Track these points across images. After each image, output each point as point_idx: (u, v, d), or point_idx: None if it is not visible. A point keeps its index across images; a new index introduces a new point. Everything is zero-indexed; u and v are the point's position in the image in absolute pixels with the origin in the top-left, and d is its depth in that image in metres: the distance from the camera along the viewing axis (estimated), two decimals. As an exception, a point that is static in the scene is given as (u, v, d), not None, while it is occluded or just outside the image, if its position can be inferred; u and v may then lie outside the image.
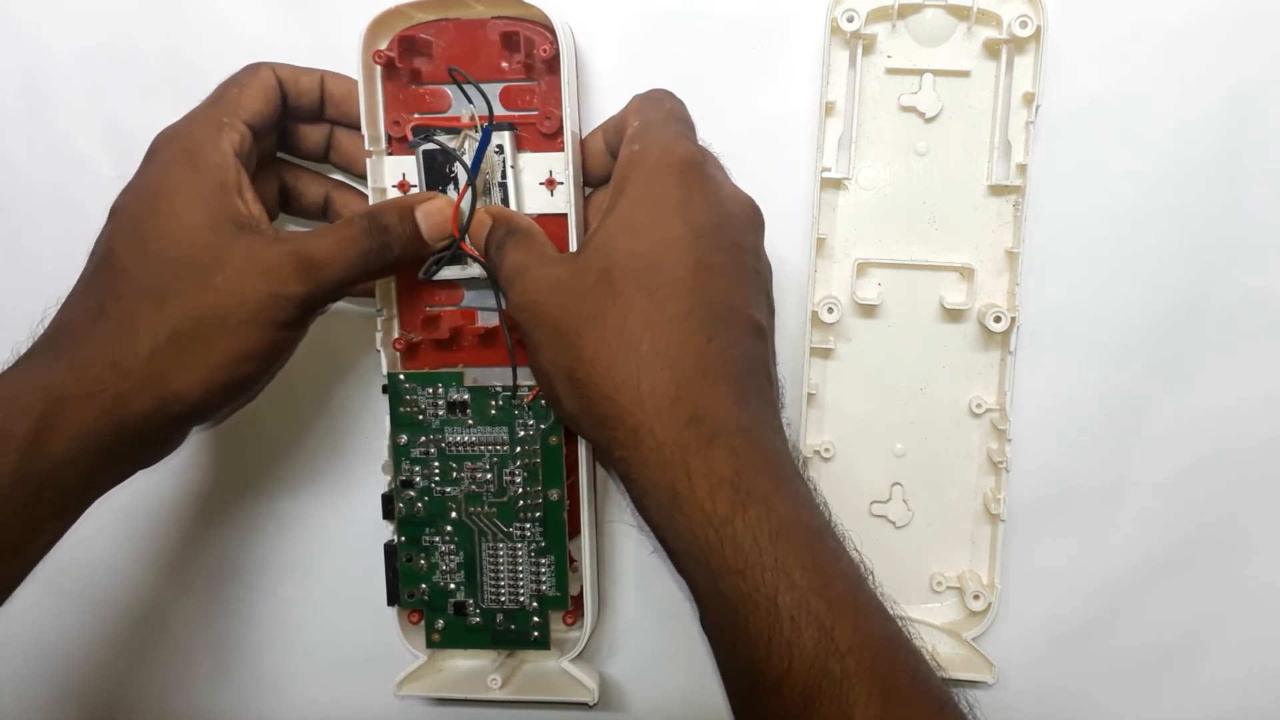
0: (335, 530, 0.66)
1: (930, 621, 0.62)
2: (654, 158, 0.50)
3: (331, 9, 0.62)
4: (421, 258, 0.56)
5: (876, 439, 0.61)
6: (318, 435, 0.66)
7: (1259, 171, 0.59)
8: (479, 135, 0.56)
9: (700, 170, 0.50)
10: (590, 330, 0.47)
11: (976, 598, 0.60)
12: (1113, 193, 0.60)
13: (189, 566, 0.68)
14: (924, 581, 0.62)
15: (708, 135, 0.59)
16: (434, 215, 0.55)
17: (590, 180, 0.59)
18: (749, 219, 0.51)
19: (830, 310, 0.58)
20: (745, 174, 0.59)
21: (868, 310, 0.60)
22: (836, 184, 0.59)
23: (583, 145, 0.58)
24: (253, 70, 0.55)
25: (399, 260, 0.54)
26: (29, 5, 0.64)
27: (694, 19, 0.60)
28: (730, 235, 0.49)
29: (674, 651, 0.64)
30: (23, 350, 0.50)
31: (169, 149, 0.52)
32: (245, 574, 0.68)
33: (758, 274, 0.51)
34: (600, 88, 0.61)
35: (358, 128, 0.57)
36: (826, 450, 0.61)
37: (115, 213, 0.52)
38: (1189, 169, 0.59)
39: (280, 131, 0.59)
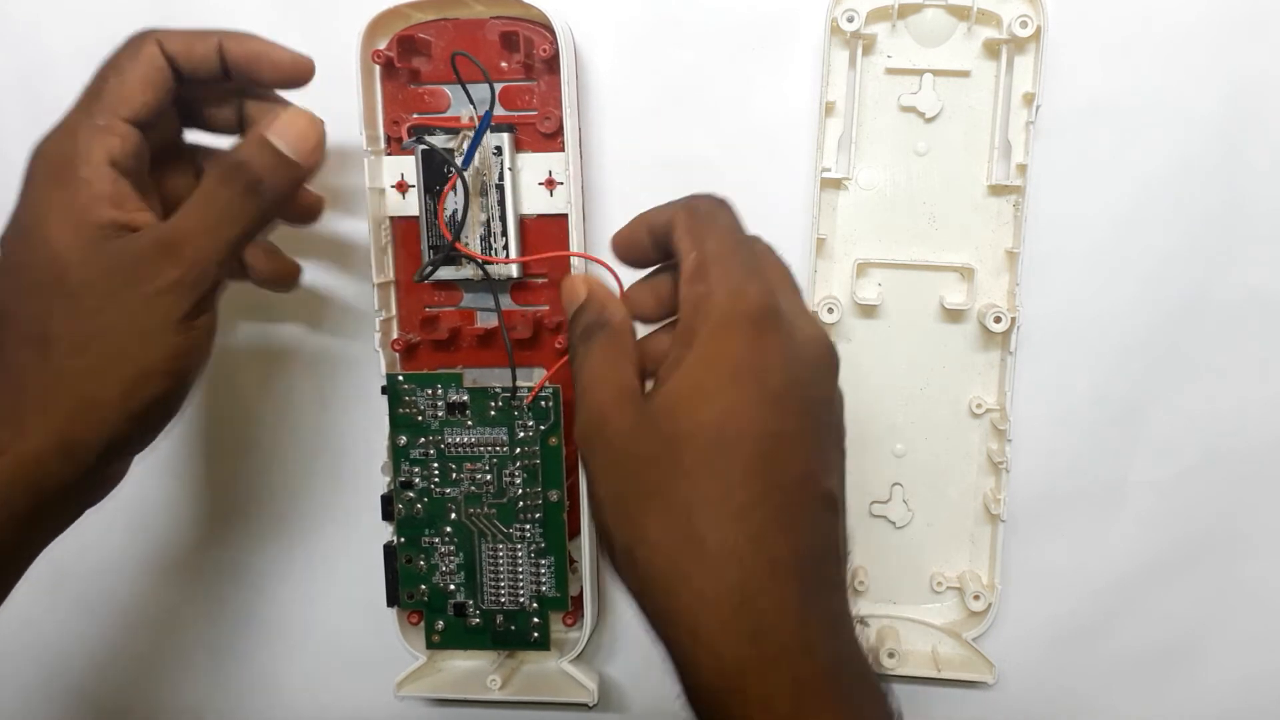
0: (335, 531, 0.66)
1: (930, 621, 0.62)
2: (723, 306, 0.43)
3: (331, 9, 0.62)
4: (302, 182, 0.51)
5: (876, 439, 0.61)
6: (317, 436, 0.65)
7: (1259, 171, 0.59)
8: (480, 125, 0.56)
9: (774, 319, 0.43)
10: (655, 509, 0.41)
11: (977, 598, 0.60)
12: (1113, 193, 0.60)
13: (188, 567, 0.68)
14: (924, 581, 0.62)
15: (708, 136, 0.59)
16: (288, 130, 0.49)
17: (634, 263, 0.50)
18: (824, 366, 0.45)
19: (830, 310, 0.58)
20: (745, 174, 0.59)
21: (868, 310, 0.60)
22: (836, 184, 0.59)
23: (625, 236, 0.50)
24: (134, 49, 0.48)
25: (278, 196, 0.49)
26: (29, 5, 0.64)
27: (694, 19, 0.60)
28: (805, 391, 0.43)
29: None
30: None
31: (41, 166, 0.47)
32: (244, 575, 0.68)
33: (831, 429, 0.45)
34: (600, 88, 0.61)
35: (271, 96, 0.54)
36: (826, 450, 0.61)
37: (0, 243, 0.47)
38: (1189, 169, 0.59)
39: (185, 104, 0.53)
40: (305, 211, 0.56)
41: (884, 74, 0.59)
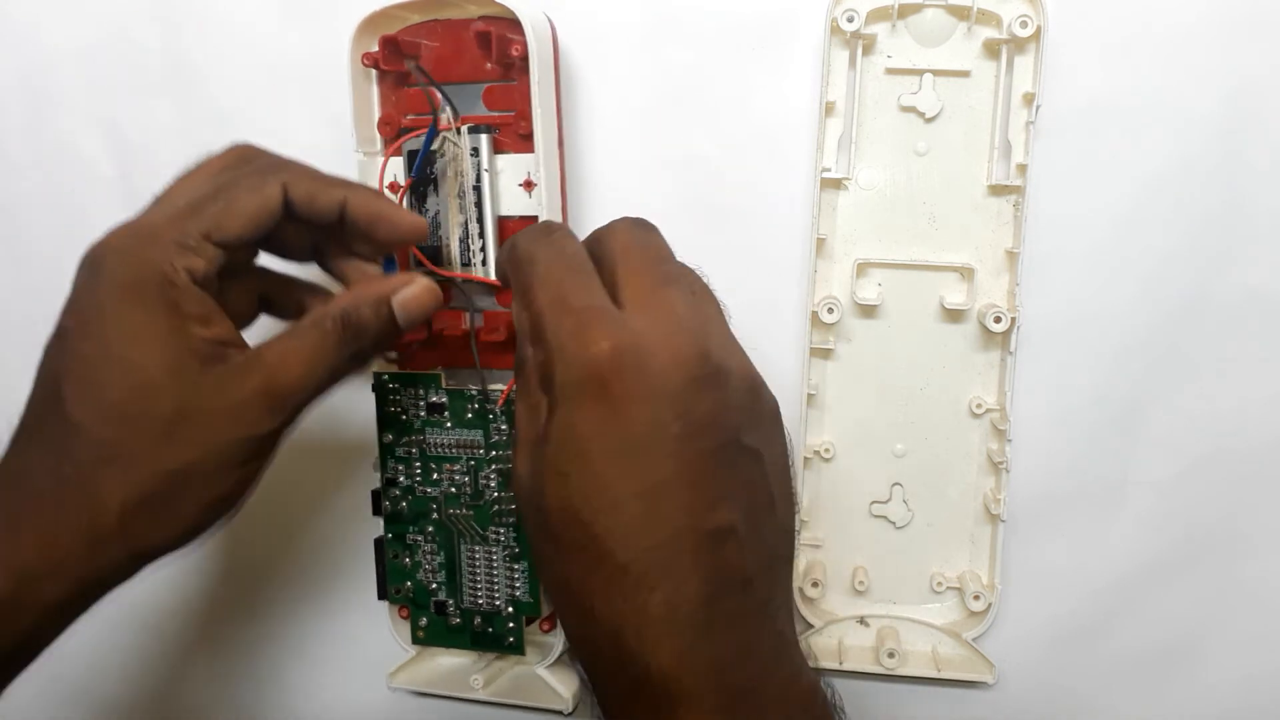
0: (329, 524, 0.67)
1: (930, 621, 0.62)
2: (562, 376, 0.40)
3: (330, 9, 0.62)
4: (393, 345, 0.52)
5: (876, 439, 0.61)
6: (313, 431, 0.65)
7: (1259, 171, 0.59)
8: (457, 139, 0.56)
9: (625, 371, 0.40)
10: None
11: (977, 598, 0.60)
12: (1113, 193, 0.59)
13: (185, 564, 0.68)
14: (924, 581, 0.62)
15: (708, 136, 0.60)
16: (412, 304, 0.50)
17: None
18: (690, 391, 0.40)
19: (830, 310, 0.58)
20: (745, 174, 0.59)
21: (868, 310, 0.60)
22: (836, 184, 0.59)
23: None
24: (257, 182, 0.47)
25: (370, 358, 0.51)
26: (29, 5, 0.64)
27: (694, 19, 0.60)
28: (680, 438, 0.40)
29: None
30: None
31: (120, 269, 0.45)
32: (239, 568, 0.68)
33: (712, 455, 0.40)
34: (599, 88, 0.61)
35: (372, 255, 0.54)
36: (826, 450, 0.61)
37: (62, 341, 0.46)
38: (1190, 169, 0.59)
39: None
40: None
41: (884, 74, 0.58)
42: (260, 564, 0.68)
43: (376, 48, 0.57)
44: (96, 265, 0.45)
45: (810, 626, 0.61)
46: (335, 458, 0.66)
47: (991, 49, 0.58)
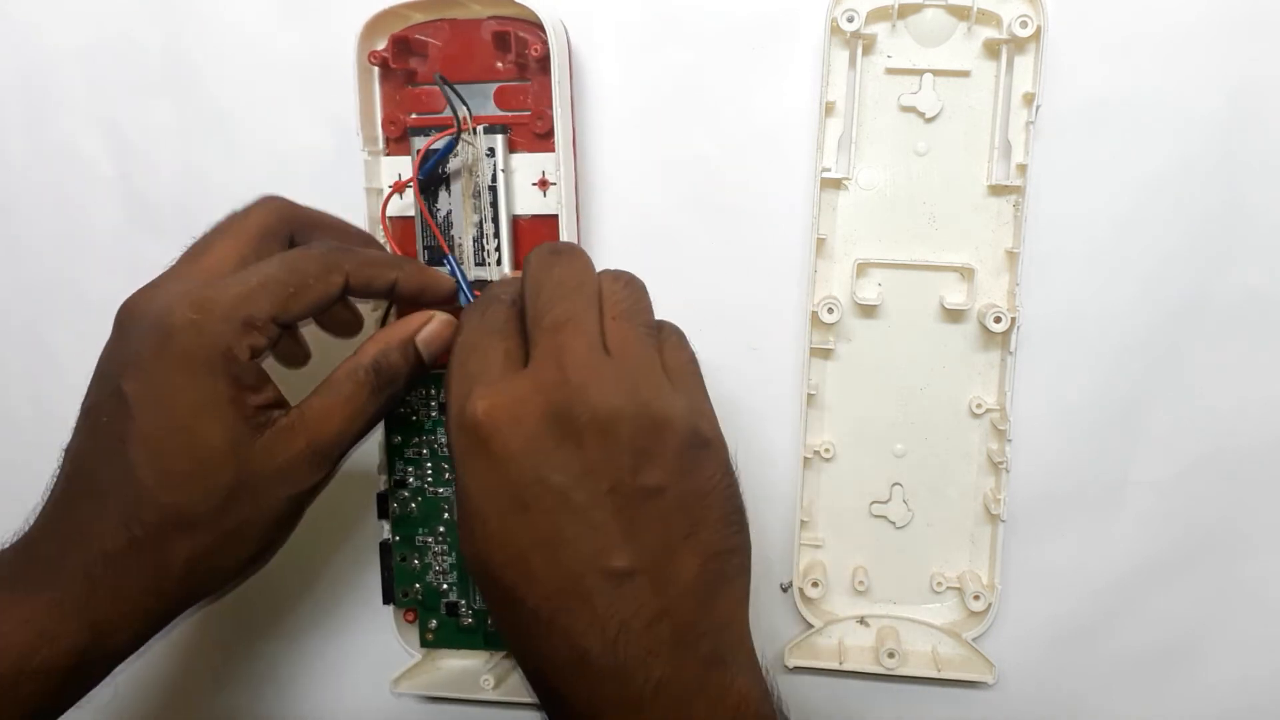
0: (333, 529, 0.66)
1: (930, 622, 0.62)
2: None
3: (331, 9, 0.62)
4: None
5: (876, 439, 0.61)
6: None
7: (1259, 171, 0.59)
8: (472, 138, 0.56)
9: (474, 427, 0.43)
10: None
11: (977, 598, 0.60)
12: (1113, 193, 0.59)
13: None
14: (924, 581, 0.62)
15: (708, 136, 0.60)
16: (434, 341, 0.52)
17: None
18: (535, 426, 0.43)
19: (830, 310, 0.58)
20: (745, 174, 0.59)
21: (868, 310, 0.60)
22: (836, 184, 0.59)
23: None
24: (324, 275, 0.49)
25: (404, 397, 0.53)
26: (29, 5, 0.64)
27: (694, 19, 0.60)
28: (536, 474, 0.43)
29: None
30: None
31: (189, 344, 0.46)
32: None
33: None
34: (600, 88, 0.61)
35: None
36: (826, 450, 0.61)
37: (125, 405, 0.46)
38: (1190, 169, 0.59)
39: None
40: (345, 327, 0.58)
41: (884, 74, 0.58)
42: (263, 572, 0.67)
43: (383, 46, 0.57)
44: (166, 336, 0.46)
45: (810, 626, 0.61)
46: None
47: (991, 49, 0.58)
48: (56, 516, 0.47)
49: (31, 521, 0.47)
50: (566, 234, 0.57)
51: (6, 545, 0.47)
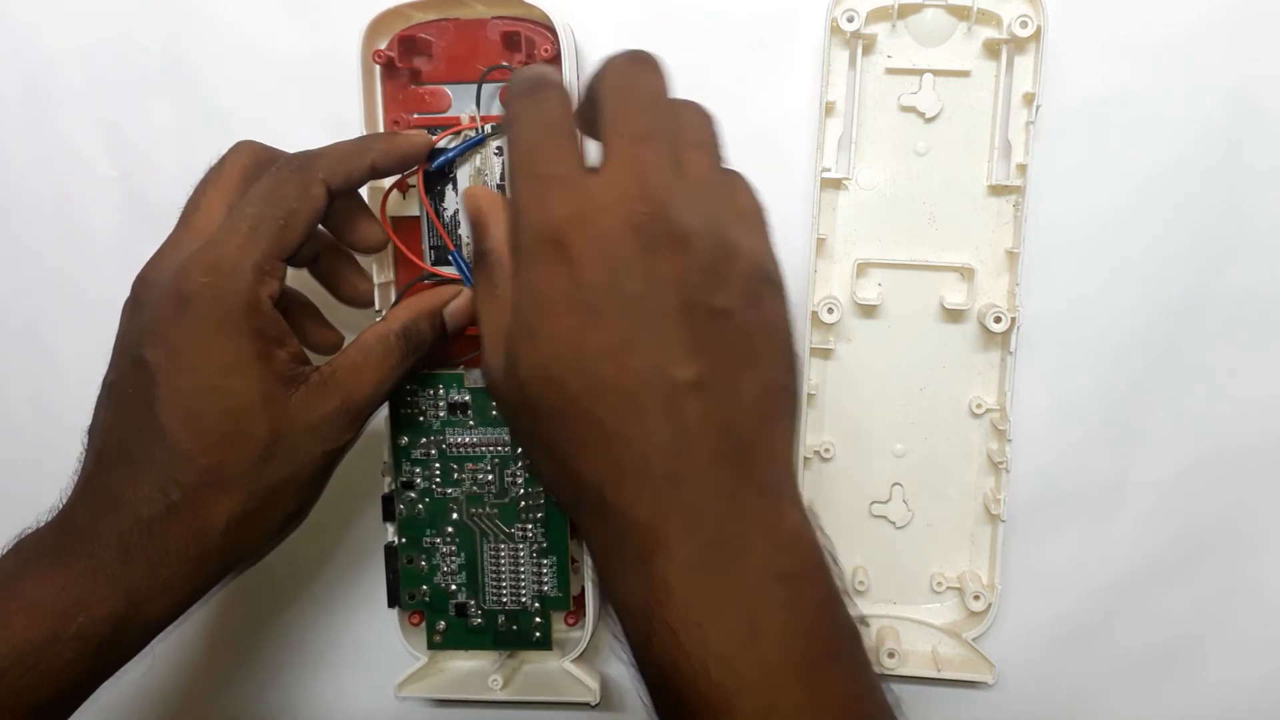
0: (336, 531, 0.66)
1: (930, 622, 0.62)
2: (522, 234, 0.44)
3: (332, 8, 0.62)
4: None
5: (877, 439, 0.61)
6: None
7: (1259, 171, 0.59)
8: (477, 136, 0.56)
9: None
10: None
11: (977, 598, 0.60)
12: (1114, 192, 0.60)
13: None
14: (924, 581, 0.62)
15: None
16: (459, 315, 0.54)
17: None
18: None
19: (830, 310, 0.58)
20: (746, 174, 0.59)
21: (868, 310, 0.60)
22: (836, 184, 0.59)
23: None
24: (301, 187, 0.49)
25: (423, 365, 0.55)
26: (29, 5, 0.64)
27: (694, 19, 0.60)
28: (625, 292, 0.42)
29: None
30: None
31: (209, 306, 0.46)
32: (246, 575, 0.67)
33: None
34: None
35: (368, 251, 0.57)
36: (826, 450, 0.61)
37: (149, 374, 0.46)
38: (1190, 169, 0.59)
39: None
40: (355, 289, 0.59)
41: (884, 74, 0.59)
42: (266, 576, 0.67)
43: (386, 45, 0.57)
44: (183, 302, 0.46)
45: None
46: (341, 466, 0.66)
47: (992, 49, 0.58)
48: (90, 489, 0.47)
49: (65, 498, 0.47)
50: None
51: (43, 523, 0.47)
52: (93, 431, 0.48)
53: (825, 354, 0.60)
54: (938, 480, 0.61)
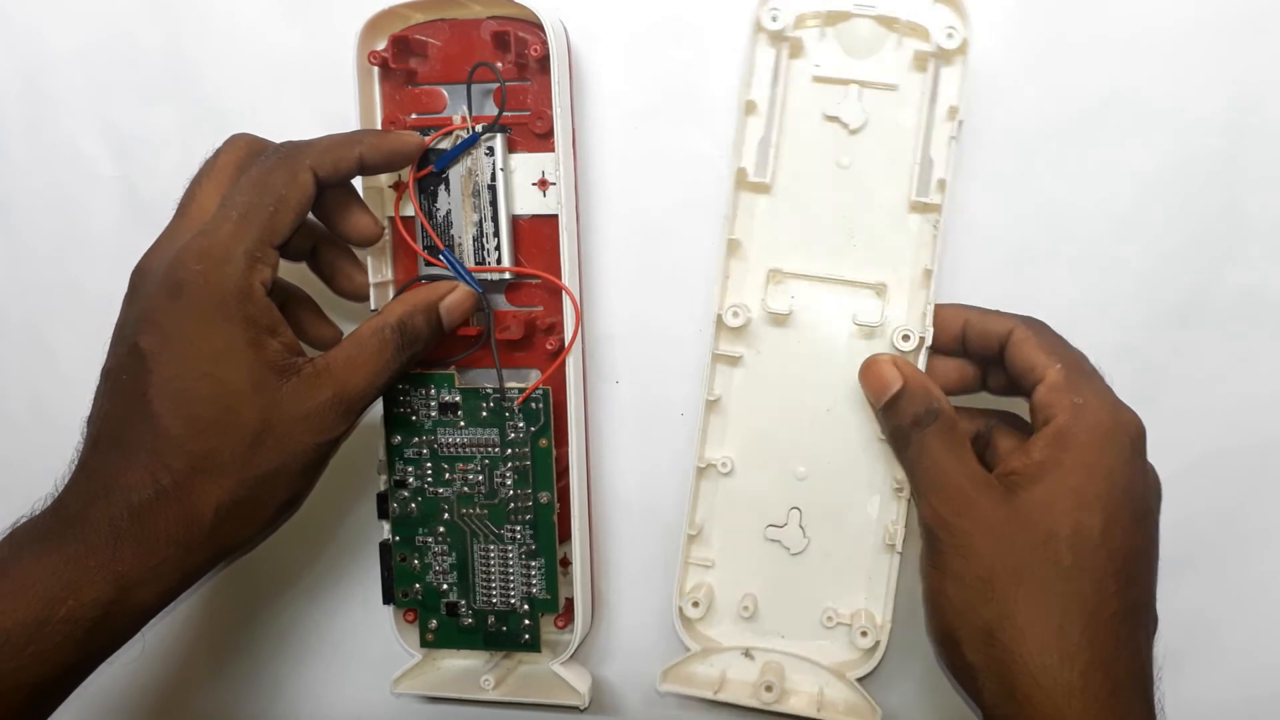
0: (332, 528, 0.67)
1: (817, 660, 0.59)
2: (1105, 423, 0.49)
3: (330, 8, 0.63)
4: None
5: (778, 458, 0.58)
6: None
7: (1258, 172, 0.58)
8: (470, 136, 0.57)
9: (1144, 445, 0.50)
10: (1029, 597, 0.46)
11: (864, 634, 0.57)
12: (1112, 192, 0.59)
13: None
14: (816, 615, 0.59)
15: (706, 136, 0.60)
16: (456, 310, 0.56)
17: (939, 347, 0.57)
18: (1159, 492, 0.51)
19: (735, 315, 0.56)
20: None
21: (779, 320, 0.58)
22: (755, 187, 0.57)
23: (937, 315, 0.56)
24: (289, 174, 0.50)
25: (419, 359, 0.56)
26: (29, 5, 0.66)
27: (694, 19, 0.60)
28: (1156, 516, 0.50)
29: (669, 655, 0.61)
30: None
31: (202, 294, 0.48)
32: (242, 571, 0.68)
33: (1157, 548, 0.50)
34: (599, 88, 0.62)
35: (363, 245, 0.58)
36: (724, 465, 0.58)
37: (142, 360, 0.48)
38: (1189, 169, 0.59)
39: None
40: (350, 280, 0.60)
41: (811, 81, 0.57)
42: (261, 572, 0.68)
43: (383, 46, 0.58)
44: (176, 290, 0.48)
45: (688, 650, 0.59)
46: (336, 462, 0.67)
47: (921, 62, 0.55)
48: (84, 475, 0.49)
49: (61, 485, 0.49)
50: (565, 235, 0.57)
51: (39, 510, 0.48)
52: (90, 419, 0.50)
53: (732, 360, 0.58)
54: (839, 508, 0.58)
